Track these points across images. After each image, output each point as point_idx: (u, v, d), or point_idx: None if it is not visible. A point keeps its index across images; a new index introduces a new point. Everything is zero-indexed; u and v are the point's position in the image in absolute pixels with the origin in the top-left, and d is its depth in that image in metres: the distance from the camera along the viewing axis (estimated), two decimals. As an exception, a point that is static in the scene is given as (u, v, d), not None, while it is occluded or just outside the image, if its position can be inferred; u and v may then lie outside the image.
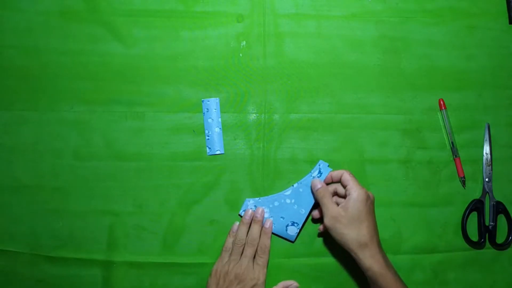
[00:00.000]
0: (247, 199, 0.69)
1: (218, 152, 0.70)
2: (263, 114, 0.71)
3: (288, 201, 0.68)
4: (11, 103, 0.70)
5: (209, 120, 0.70)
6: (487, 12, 0.73)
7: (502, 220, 0.70)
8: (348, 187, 0.63)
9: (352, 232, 0.61)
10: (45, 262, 0.68)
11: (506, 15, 0.73)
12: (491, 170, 0.71)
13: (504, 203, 0.70)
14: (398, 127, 0.71)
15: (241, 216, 0.69)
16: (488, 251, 0.70)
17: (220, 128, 0.70)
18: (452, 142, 0.71)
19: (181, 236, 0.69)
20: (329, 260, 0.69)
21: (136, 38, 0.71)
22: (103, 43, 0.71)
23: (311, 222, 0.69)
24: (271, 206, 0.69)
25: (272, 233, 0.68)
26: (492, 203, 0.70)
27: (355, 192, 0.62)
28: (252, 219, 0.68)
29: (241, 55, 0.71)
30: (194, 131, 0.70)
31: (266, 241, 0.66)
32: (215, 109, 0.70)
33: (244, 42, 0.72)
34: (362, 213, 0.61)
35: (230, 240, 0.67)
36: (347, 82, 0.71)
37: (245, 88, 0.71)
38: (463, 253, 0.70)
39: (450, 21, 0.73)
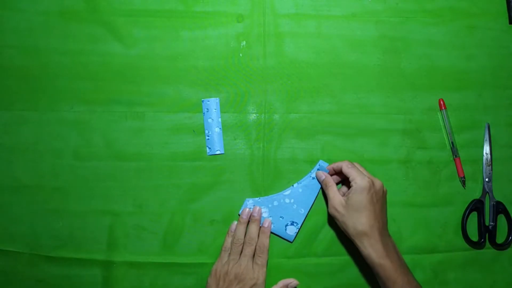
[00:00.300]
0: (246, 199, 0.69)
1: (218, 152, 0.70)
2: (263, 114, 0.71)
3: (287, 200, 0.68)
4: (11, 103, 0.70)
5: (209, 120, 0.70)
6: (487, 12, 0.73)
7: (502, 220, 0.70)
8: (350, 178, 0.64)
9: (351, 221, 0.62)
10: (45, 262, 0.68)
11: (506, 15, 0.73)
12: (491, 170, 0.71)
13: (504, 203, 0.70)
14: (398, 127, 0.71)
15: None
16: (488, 251, 0.70)
17: (220, 128, 0.70)
18: (452, 142, 0.71)
19: (181, 236, 0.69)
20: (329, 260, 0.69)
21: (136, 38, 0.71)
22: (103, 43, 0.71)
23: (310, 222, 0.69)
24: (270, 206, 0.69)
25: (271, 233, 0.68)
26: (492, 203, 0.70)
27: (356, 182, 0.63)
28: (250, 218, 0.68)
29: (241, 55, 0.71)
30: (194, 131, 0.70)
31: (264, 240, 0.66)
32: (215, 109, 0.70)
33: (244, 42, 0.72)
34: (363, 203, 0.62)
35: (229, 239, 0.67)
36: (347, 82, 0.71)
37: (245, 88, 0.71)
38: (463, 253, 0.70)
39: (450, 21, 0.73)
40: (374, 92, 0.71)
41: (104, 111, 0.70)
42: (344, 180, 0.68)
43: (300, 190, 0.68)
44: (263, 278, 0.65)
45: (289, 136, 0.71)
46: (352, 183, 0.63)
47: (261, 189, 0.70)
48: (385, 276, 0.60)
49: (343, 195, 0.65)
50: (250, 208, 0.68)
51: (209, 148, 0.70)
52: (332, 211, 0.64)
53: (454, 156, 0.71)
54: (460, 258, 0.70)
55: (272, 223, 0.68)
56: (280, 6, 0.72)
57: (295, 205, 0.68)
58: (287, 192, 0.69)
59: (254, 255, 0.66)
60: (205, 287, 0.66)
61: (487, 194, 0.70)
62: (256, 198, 0.69)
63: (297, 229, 0.68)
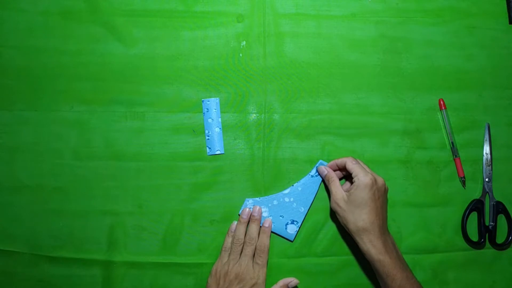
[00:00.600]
0: (246, 199, 0.69)
1: (218, 152, 0.70)
2: (263, 114, 0.71)
3: (287, 199, 0.69)
4: (11, 103, 0.70)
5: (209, 120, 0.70)
6: (487, 12, 0.73)
7: (502, 220, 0.70)
8: (353, 174, 0.64)
9: (352, 216, 0.62)
10: (45, 262, 0.68)
11: (506, 15, 0.73)
12: (491, 170, 0.71)
13: (504, 203, 0.70)
14: (398, 127, 0.71)
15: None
16: (488, 251, 0.70)
17: (220, 128, 0.70)
18: (452, 142, 0.71)
19: (181, 236, 0.69)
20: (329, 259, 0.69)
21: (136, 38, 0.71)
22: (103, 43, 0.71)
23: (311, 222, 0.69)
24: (270, 205, 0.69)
25: (272, 232, 0.68)
26: (492, 203, 0.70)
27: (359, 179, 0.63)
28: (250, 218, 0.68)
29: (241, 55, 0.71)
30: (194, 131, 0.70)
31: (265, 240, 0.67)
32: (215, 109, 0.70)
33: (244, 42, 0.72)
34: (364, 199, 0.62)
35: (229, 239, 0.67)
36: (347, 82, 0.71)
37: (245, 88, 0.71)
38: (463, 253, 0.70)
39: (450, 21, 0.73)
40: (374, 92, 0.72)
41: (104, 111, 0.70)
42: (346, 176, 0.69)
43: (300, 188, 0.69)
44: (263, 277, 0.65)
45: (289, 136, 0.71)
46: (355, 179, 0.63)
47: (261, 189, 0.70)
48: (384, 272, 0.60)
49: (346, 191, 0.65)
50: (250, 208, 0.68)
51: (209, 148, 0.70)
52: (334, 205, 0.65)
53: (454, 156, 0.71)
54: (460, 258, 0.70)
55: (272, 222, 0.68)
56: (280, 6, 0.72)
57: (294, 204, 0.68)
58: (287, 191, 0.69)
59: (254, 254, 0.66)
60: (205, 287, 0.66)
61: (487, 194, 0.70)
62: (256, 198, 0.69)
63: (298, 228, 0.68)
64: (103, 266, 0.68)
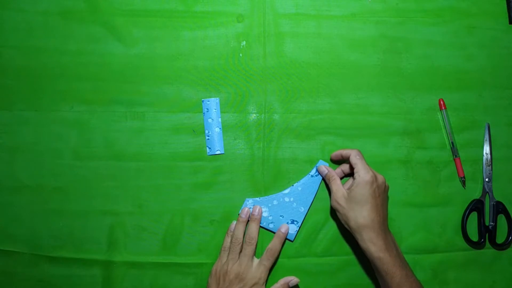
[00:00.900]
0: (246, 198, 0.69)
1: (218, 152, 0.70)
2: (263, 114, 0.71)
3: (287, 199, 0.69)
4: (11, 103, 0.70)
5: (209, 120, 0.70)
6: (487, 12, 0.73)
7: (502, 220, 0.70)
8: (355, 169, 0.64)
9: (353, 214, 0.62)
10: (45, 262, 0.68)
11: (506, 15, 0.73)
12: (491, 170, 0.71)
13: (504, 203, 0.70)
14: (398, 127, 0.71)
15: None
16: (488, 251, 0.70)
17: (220, 128, 0.70)
18: (452, 142, 0.71)
19: (181, 236, 0.69)
20: (329, 260, 0.69)
21: (136, 38, 0.71)
22: (103, 43, 0.71)
23: (311, 222, 0.69)
24: (270, 205, 0.69)
25: (272, 231, 0.68)
26: (492, 203, 0.70)
27: (360, 175, 0.63)
28: (249, 217, 0.68)
29: (241, 55, 0.71)
30: (194, 131, 0.70)
31: (277, 245, 0.66)
32: (215, 109, 0.70)
33: (244, 42, 0.72)
34: (365, 196, 0.62)
35: (228, 239, 0.67)
36: (347, 82, 0.71)
37: (245, 88, 0.71)
38: (463, 253, 0.70)
39: (450, 21, 0.73)
40: (374, 92, 0.72)
41: (104, 111, 0.70)
42: (346, 176, 0.69)
43: (300, 188, 0.69)
44: (265, 279, 0.65)
45: (289, 136, 0.71)
46: (356, 176, 0.63)
47: (261, 189, 0.70)
48: (383, 270, 0.60)
49: (347, 189, 0.65)
50: (250, 207, 0.68)
51: (209, 148, 0.70)
52: (334, 203, 0.65)
53: (454, 156, 0.71)
54: (460, 258, 0.70)
55: (272, 223, 0.68)
56: (280, 6, 0.72)
57: (294, 204, 0.68)
58: (287, 191, 0.69)
59: (253, 254, 0.66)
60: (206, 287, 0.66)
61: (487, 194, 0.70)
62: (256, 198, 0.69)
63: (298, 228, 0.68)
64: (103, 266, 0.68)
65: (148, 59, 0.71)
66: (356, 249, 0.67)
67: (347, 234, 0.68)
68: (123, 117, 0.70)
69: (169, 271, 0.68)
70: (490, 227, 0.70)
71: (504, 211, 0.70)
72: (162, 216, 0.69)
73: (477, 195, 0.71)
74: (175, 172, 0.70)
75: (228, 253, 0.66)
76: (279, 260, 0.68)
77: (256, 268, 0.65)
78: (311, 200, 0.69)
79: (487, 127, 0.71)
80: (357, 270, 0.69)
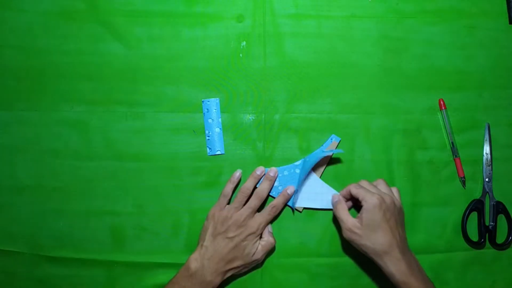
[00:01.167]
0: (258, 167, 0.69)
1: (218, 153, 0.70)
2: (263, 114, 0.71)
3: (297, 171, 0.69)
4: (11, 103, 0.70)
5: (209, 121, 0.70)
6: (487, 12, 0.73)
7: (502, 220, 0.70)
8: (360, 198, 0.62)
9: (369, 242, 0.60)
10: (45, 262, 0.68)
11: (506, 15, 0.73)
12: (491, 170, 0.71)
13: (504, 203, 0.70)
14: (398, 127, 0.71)
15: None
16: (488, 251, 0.70)
17: (220, 128, 0.70)
18: (452, 142, 0.71)
19: (181, 236, 0.69)
20: (330, 260, 0.69)
21: (136, 38, 0.71)
22: (103, 43, 0.71)
23: (311, 222, 0.69)
24: (280, 175, 0.69)
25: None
26: (492, 203, 0.70)
27: (367, 201, 0.61)
28: (264, 176, 0.68)
29: (241, 55, 0.71)
30: (194, 131, 0.70)
31: (281, 203, 0.67)
32: (215, 109, 0.70)
33: (244, 42, 0.72)
34: (377, 221, 0.60)
35: (230, 186, 0.67)
36: (347, 82, 0.71)
37: (245, 88, 0.71)
38: (463, 253, 0.70)
39: (450, 21, 0.73)
40: (374, 92, 0.71)
41: (104, 111, 0.70)
42: (355, 207, 0.68)
43: (307, 159, 0.68)
44: (262, 230, 0.65)
45: (289, 136, 0.71)
46: (363, 203, 0.61)
47: (261, 189, 0.70)
48: None
49: (357, 218, 0.63)
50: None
51: (210, 148, 0.70)
52: (347, 234, 0.62)
53: (454, 156, 0.71)
54: (460, 258, 0.70)
55: (280, 192, 0.68)
56: (280, 6, 0.72)
57: (297, 170, 0.69)
58: (298, 162, 0.69)
59: (256, 209, 0.66)
60: (201, 230, 0.66)
61: (487, 194, 0.70)
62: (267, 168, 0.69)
63: (295, 189, 0.68)
64: (104, 266, 0.68)
65: (148, 59, 0.71)
66: (356, 250, 0.67)
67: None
68: (123, 117, 0.70)
69: (169, 271, 0.68)
70: (490, 227, 0.70)
71: (504, 211, 0.70)
72: (162, 216, 0.69)
73: (477, 195, 0.71)
74: (176, 173, 0.70)
75: (229, 200, 0.67)
76: (279, 260, 0.69)
77: (256, 219, 0.65)
78: (311, 166, 0.68)
79: (487, 127, 0.71)
80: (357, 270, 0.69)
